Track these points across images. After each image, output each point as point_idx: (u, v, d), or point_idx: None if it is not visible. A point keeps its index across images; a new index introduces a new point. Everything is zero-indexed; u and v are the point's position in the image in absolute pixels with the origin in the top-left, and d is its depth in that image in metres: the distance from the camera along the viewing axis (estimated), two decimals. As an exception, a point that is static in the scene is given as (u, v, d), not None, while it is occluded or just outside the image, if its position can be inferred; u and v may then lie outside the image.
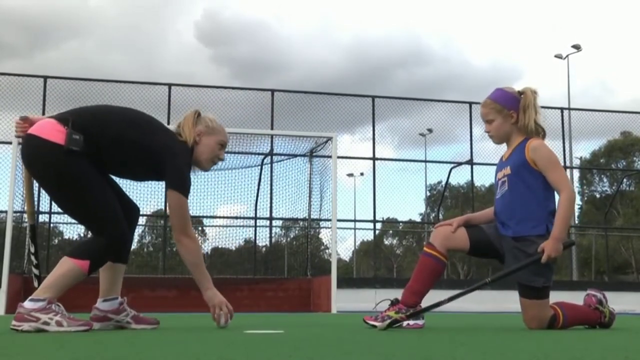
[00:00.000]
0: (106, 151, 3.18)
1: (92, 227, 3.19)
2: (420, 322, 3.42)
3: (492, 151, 13.03)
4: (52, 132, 3.13)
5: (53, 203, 11.16)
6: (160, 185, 12.37)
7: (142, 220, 14.57)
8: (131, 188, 11.61)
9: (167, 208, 3.27)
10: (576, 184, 23.18)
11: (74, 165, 3.09)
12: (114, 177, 3.40)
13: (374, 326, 3.33)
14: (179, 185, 3.20)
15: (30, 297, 3.04)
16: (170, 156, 3.22)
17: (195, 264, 3.30)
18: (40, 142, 3.12)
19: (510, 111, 3.34)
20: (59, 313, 3.00)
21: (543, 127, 3.36)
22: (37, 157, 3.15)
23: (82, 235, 17.48)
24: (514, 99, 3.36)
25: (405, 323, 3.34)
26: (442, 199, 17.66)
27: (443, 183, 15.37)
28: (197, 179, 12.14)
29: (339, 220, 10.17)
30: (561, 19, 78.27)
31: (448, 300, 3.22)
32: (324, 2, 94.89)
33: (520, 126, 3.33)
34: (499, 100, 3.37)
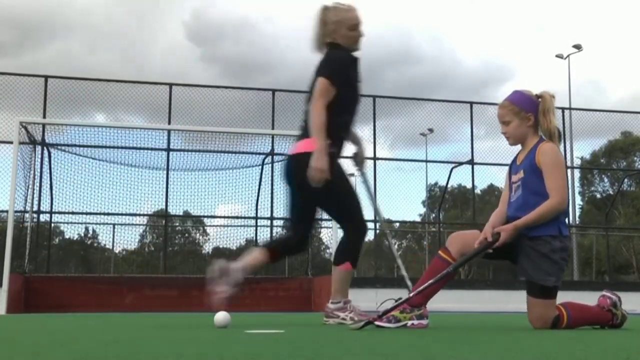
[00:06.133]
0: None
1: (346, 222, 3.99)
2: (424, 321, 3.42)
3: (491, 151, 13.07)
4: (308, 144, 3.75)
5: (53, 203, 11.21)
6: (161, 185, 12.29)
7: (143, 220, 14.58)
8: (131, 188, 11.65)
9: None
10: (577, 184, 23.18)
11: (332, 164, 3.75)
12: None
13: (381, 327, 3.35)
14: (324, 73, 3.79)
15: (330, 300, 3.96)
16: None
17: (315, 125, 3.72)
18: (306, 157, 3.69)
19: (528, 114, 3.37)
20: (352, 311, 3.88)
21: (559, 129, 3.42)
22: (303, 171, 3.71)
23: (81, 234, 17.52)
24: (531, 101, 3.40)
25: (409, 323, 3.36)
26: (443, 199, 17.64)
27: (441, 183, 15.34)
28: (198, 178, 12.17)
29: (339, 220, 10.15)
30: (552, 18, 78.03)
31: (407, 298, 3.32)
32: (314, 1, 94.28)
33: (543, 130, 3.38)
34: (517, 102, 3.40)
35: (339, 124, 3.81)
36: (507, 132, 3.43)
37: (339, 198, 3.86)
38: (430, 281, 3.28)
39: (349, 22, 3.84)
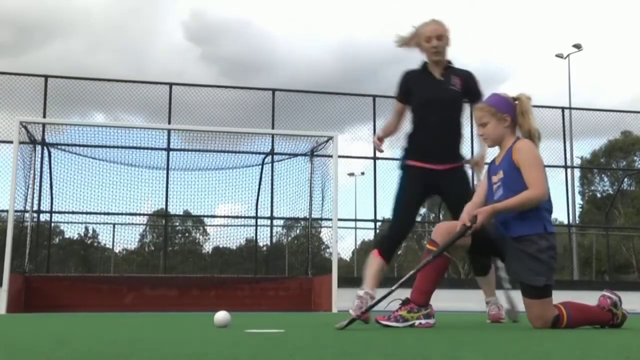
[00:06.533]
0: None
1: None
2: (431, 321, 3.45)
3: (491, 151, 13.02)
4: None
5: (53, 203, 11.21)
6: (161, 185, 12.31)
7: (143, 220, 14.56)
8: (131, 188, 11.64)
9: None
10: (577, 183, 23.17)
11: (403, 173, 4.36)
12: None
13: (388, 326, 3.36)
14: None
15: (360, 287, 4.10)
16: None
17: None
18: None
19: (505, 115, 3.44)
20: (358, 306, 3.90)
21: (538, 130, 3.46)
22: None
23: (81, 234, 17.52)
24: (507, 103, 3.47)
25: (417, 322, 3.40)
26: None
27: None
28: (198, 178, 12.16)
29: (339, 220, 10.17)
30: (552, 18, 77.80)
31: (387, 295, 3.35)
32: (312, 1, 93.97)
33: (524, 131, 3.42)
34: (493, 104, 3.48)
35: (418, 130, 4.34)
36: (484, 133, 3.51)
37: (394, 200, 4.36)
38: (413, 271, 3.36)
39: (424, 35, 4.23)
